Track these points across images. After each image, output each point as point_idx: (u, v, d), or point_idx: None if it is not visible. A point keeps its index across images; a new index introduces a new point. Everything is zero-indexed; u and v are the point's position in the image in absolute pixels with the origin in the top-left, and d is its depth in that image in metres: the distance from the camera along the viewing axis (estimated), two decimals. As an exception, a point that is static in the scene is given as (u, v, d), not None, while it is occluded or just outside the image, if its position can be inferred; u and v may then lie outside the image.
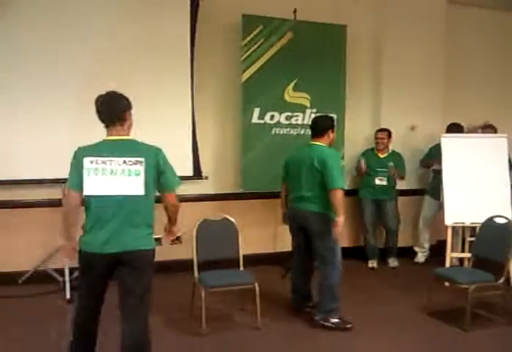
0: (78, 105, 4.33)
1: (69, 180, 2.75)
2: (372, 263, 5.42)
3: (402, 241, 5.74)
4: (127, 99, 2.84)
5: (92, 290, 2.79)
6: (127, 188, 2.67)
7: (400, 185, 5.57)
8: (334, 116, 5.25)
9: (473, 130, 5.62)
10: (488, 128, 5.48)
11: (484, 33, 6.09)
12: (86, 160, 2.67)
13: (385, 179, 5.32)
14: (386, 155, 5.42)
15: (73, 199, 2.74)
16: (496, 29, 6.13)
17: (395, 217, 5.49)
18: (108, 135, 2.79)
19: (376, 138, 5.42)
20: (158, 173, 2.77)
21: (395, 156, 5.45)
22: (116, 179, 2.66)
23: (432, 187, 5.48)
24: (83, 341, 2.86)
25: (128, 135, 2.82)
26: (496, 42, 6.16)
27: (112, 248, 2.66)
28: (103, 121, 2.77)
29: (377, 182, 5.34)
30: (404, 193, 5.67)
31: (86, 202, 2.73)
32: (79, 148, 2.76)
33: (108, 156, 2.68)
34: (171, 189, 2.84)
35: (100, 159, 2.67)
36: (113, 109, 2.75)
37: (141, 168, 2.70)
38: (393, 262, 5.48)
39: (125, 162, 2.69)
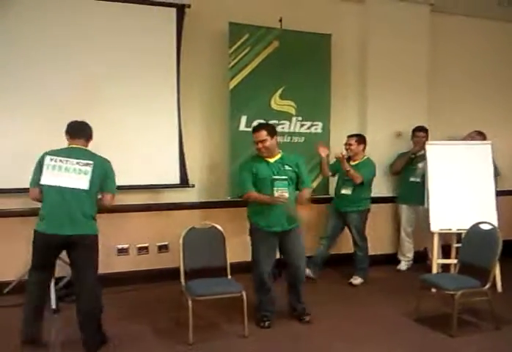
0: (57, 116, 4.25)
1: (31, 179, 3.44)
2: (309, 273, 4.86)
3: (385, 248, 5.79)
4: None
5: (46, 264, 3.45)
6: (75, 182, 3.34)
7: (373, 191, 5.57)
8: (320, 123, 5.36)
9: (465, 138, 5.62)
10: (478, 135, 5.53)
11: (468, 41, 6.17)
12: (47, 158, 3.37)
13: (351, 188, 4.96)
14: (356, 162, 5.04)
15: (32, 194, 3.45)
16: (480, 37, 6.21)
17: (360, 232, 5.09)
18: (70, 144, 3.51)
19: (344, 144, 5.13)
20: (104, 177, 3.44)
21: (364, 163, 5.07)
22: (68, 175, 3.34)
23: (405, 194, 5.54)
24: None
25: (86, 147, 3.53)
26: (481, 51, 6.24)
27: (66, 231, 3.29)
28: (70, 133, 3.52)
29: (342, 191, 5.01)
30: (387, 199, 5.73)
31: (43, 191, 3.38)
32: (44, 152, 3.44)
33: (65, 157, 3.37)
34: (110, 190, 3.50)
35: (58, 158, 3.37)
36: (85, 129, 3.56)
37: (89, 169, 3.38)
38: (355, 279, 5.06)
39: (78, 163, 3.38)
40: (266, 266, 3.95)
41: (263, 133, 3.88)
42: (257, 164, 3.96)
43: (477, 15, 6.09)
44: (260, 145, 3.89)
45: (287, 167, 3.95)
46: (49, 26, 4.51)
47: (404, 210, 5.59)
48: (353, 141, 5.04)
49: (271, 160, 3.97)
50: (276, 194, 3.85)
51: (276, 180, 3.89)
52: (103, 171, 3.43)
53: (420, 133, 5.47)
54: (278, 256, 4.15)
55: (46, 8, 4.48)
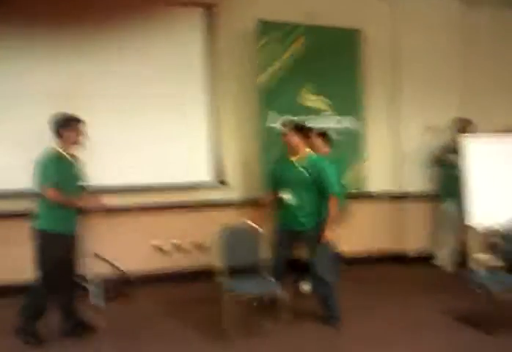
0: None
1: None
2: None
3: (425, 245, 5.68)
4: (63, 119, 3.49)
5: None
6: None
7: (410, 187, 5.56)
8: (352, 118, 5.31)
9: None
10: None
11: (503, 34, 6.03)
12: None
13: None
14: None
15: None
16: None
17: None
18: None
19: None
20: (35, 172, 3.45)
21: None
22: None
23: (449, 189, 5.34)
24: None
25: (61, 147, 3.50)
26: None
27: None
28: None
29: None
30: (424, 196, 5.65)
31: None
32: None
33: None
34: (38, 183, 3.44)
35: None
36: (51, 127, 3.50)
37: None
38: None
39: None
40: (275, 258, 3.96)
41: (287, 129, 3.96)
42: (280, 165, 4.04)
43: (507, 6, 5.94)
44: (284, 138, 3.95)
45: (301, 169, 3.88)
46: (79, 25, 4.56)
47: (450, 205, 5.39)
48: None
49: (294, 159, 3.94)
50: (280, 194, 3.93)
51: (285, 181, 3.93)
52: (35, 167, 3.45)
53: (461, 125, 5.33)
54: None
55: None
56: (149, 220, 4.86)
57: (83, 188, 3.65)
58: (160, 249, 4.98)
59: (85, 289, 4.34)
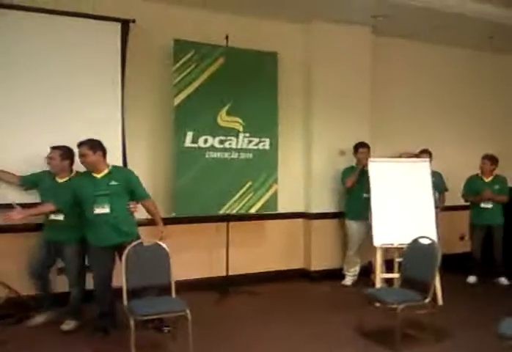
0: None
1: None
2: None
3: (330, 263, 5.82)
4: None
5: None
6: None
7: (319, 208, 5.73)
8: (267, 140, 5.40)
9: (410, 157, 5.74)
10: (424, 153, 5.67)
11: (408, 63, 6.45)
12: None
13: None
14: (64, 180, 4.27)
15: None
16: (418, 59, 6.50)
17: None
18: None
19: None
20: None
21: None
22: None
23: (356, 209, 5.49)
24: None
25: None
26: (419, 72, 6.52)
27: None
28: None
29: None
30: (330, 215, 5.83)
31: None
32: None
33: None
34: None
35: None
36: None
37: None
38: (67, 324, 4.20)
39: None
40: (104, 279, 4.06)
41: (84, 148, 3.98)
42: (81, 182, 4.04)
43: (419, 39, 6.35)
44: (82, 159, 4.01)
45: (113, 182, 4.01)
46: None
47: (355, 225, 5.54)
48: (56, 154, 4.23)
49: (98, 175, 4.04)
50: (95, 210, 3.93)
51: (98, 196, 3.96)
52: None
53: (364, 149, 5.56)
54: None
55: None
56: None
57: None
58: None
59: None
